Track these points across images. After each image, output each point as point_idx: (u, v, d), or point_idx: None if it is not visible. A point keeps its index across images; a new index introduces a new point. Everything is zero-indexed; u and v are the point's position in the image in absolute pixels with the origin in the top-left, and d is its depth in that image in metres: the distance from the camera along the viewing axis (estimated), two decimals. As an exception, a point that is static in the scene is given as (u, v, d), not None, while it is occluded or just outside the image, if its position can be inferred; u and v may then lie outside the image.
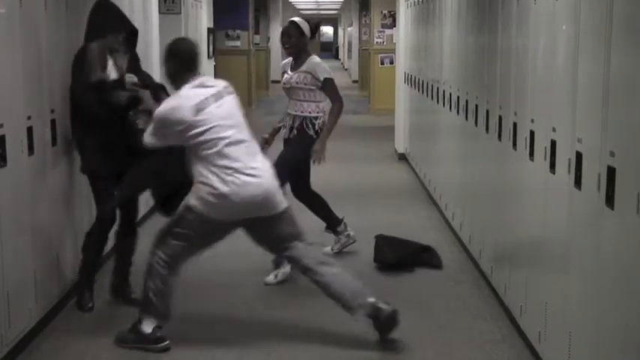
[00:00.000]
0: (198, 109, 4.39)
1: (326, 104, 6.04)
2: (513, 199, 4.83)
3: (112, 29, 4.98)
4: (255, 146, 4.59)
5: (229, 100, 4.56)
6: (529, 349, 4.45)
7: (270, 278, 5.67)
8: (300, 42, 5.98)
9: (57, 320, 4.92)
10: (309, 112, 5.96)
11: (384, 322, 4.57)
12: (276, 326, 4.93)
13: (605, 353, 3.33)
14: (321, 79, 5.94)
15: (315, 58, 6.01)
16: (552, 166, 3.98)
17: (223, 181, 4.36)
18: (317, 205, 6.25)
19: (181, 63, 4.55)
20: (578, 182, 3.59)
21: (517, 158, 4.66)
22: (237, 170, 4.39)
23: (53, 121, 4.90)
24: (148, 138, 4.51)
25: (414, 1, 9.86)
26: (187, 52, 4.60)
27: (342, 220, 6.34)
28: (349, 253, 6.08)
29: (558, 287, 3.93)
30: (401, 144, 11.25)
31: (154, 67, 7.76)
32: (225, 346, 4.63)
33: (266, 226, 4.60)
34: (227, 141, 4.40)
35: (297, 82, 5.95)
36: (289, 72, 6.03)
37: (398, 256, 6.00)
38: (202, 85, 4.53)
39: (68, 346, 4.62)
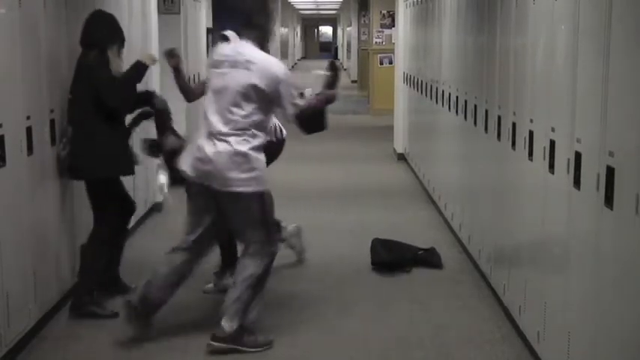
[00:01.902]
0: None
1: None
2: (512, 199, 4.84)
3: (110, 41, 5.08)
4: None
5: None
6: (528, 348, 4.45)
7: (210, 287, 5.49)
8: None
9: (56, 320, 4.92)
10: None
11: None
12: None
13: (604, 353, 3.33)
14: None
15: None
16: (551, 166, 3.98)
17: None
18: None
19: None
20: (577, 182, 3.60)
21: (516, 158, 4.67)
22: None
23: (52, 121, 4.90)
24: (299, 103, 4.56)
25: (413, 1, 9.87)
26: None
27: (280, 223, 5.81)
28: (348, 253, 6.08)
29: (557, 287, 3.93)
30: (400, 144, 11.25)
31: (153, 67, 7.76)
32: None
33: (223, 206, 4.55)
34: None
35: None
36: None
37: (394, 255, 6.01)
38: None
39: (67, 346, 4.63)
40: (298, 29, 46.86)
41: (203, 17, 11.14)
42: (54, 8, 4.92)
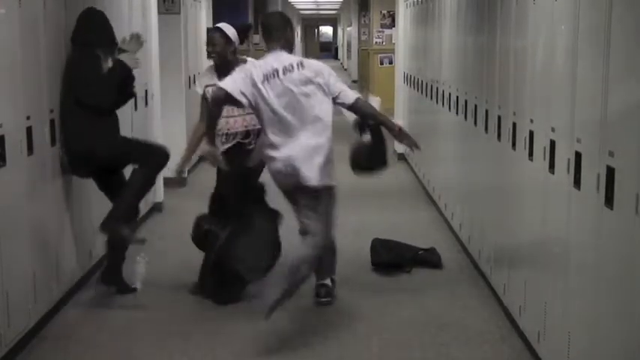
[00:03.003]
0: None
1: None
2: (513, 200, 4.84)
3: (98, 43, 5.17)
4: None
5: None
6: (528, 348, 4.45)
7: None
8: (225, 50, 5.54)
9: (56, 320, 4.92)
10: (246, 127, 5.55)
11: None
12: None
13: (604, 353, 3.33)
14: None
15: (248, 63, 5.35)
16: (552, 166, 3.98)
17: None
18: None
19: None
20: (577, 182, 3.59)
21: (516, 158, 4.67)
22: None
23: (52, 121, 4.90)
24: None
25: (414, 1, 9.87)
26: None
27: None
28: (348, 253, 6.07)
29: (557, 287, 3.93)
30: (400, 144, 11.23)
31: (153, 67, 7.77)
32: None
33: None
34: None
35: None
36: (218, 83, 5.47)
37: (394, 255, 6.01)
38: None
39: (67, 346, 4.63)
40: (298, 29, 46.84)
41: (203, 17, 11.14)
42: (54, 8, 4.92)
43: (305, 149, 4.81)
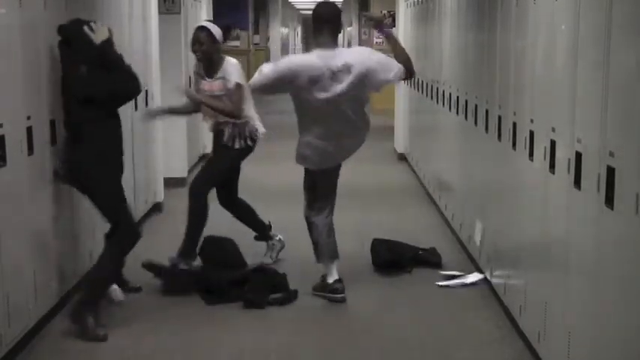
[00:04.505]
0: None
1: (248, 108, 5.74)
2: (513, 199, 4.83)
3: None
4: None
5: None
6: (528, 348, 4.45)
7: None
8: (211, 48, 5.64)
9: (56, 320, 4.91)
10: (242, 119, 5.71)
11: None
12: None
13: (605, 353, 3.32)
14: (232, 83, 5.62)
15: (230, 61, 5.70)
16: (552, 166, 3.98)
17: None
18: (243, 213, 6.13)
19: None
20: (577, 182, 3.59)
21: (517, 158, 4.66)
22: None
23: (52, 121, 4.89)
24: None
25: (414, 1, 9.86)
26: None
27: (269, 224, 6.23)
28: (347, 254, 6.07)
29: (558, 287, 3.93)
30: (400, 144, 11.25)
31: (153, 67, 7.77)
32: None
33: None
34: None
35: (220, 90, 5.66)
36: (207, 79, 5.73)
37: (394, 255, 6.00)
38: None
39: (67, 346, 4.62)
40: (299, 29, 46.83)
41: (203, 17, 11.13)
42: (54, 8, 4.92)
43: None
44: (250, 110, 5.78)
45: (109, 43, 4.81)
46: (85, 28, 4.75)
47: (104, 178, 4.80)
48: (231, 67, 5.69)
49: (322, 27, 5.23)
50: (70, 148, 4.83)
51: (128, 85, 4.87)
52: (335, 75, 5.11)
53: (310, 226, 5.53)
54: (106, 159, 4.80)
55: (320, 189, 5.50)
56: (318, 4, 5.40)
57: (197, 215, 5.77)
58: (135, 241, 4.88)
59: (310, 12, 5.42)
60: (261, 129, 5.82)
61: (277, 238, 6.19)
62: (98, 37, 4.75)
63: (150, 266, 5.55)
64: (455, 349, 4.62)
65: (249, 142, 5.77)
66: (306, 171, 5.55)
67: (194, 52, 5.74)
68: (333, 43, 5.21)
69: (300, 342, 4.72)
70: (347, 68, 5.12)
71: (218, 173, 5.87)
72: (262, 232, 6.17)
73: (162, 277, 5.52)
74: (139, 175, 7.07)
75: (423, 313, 5.17)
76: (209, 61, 5.70)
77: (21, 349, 4.43)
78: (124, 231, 4.85)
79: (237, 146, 5.74)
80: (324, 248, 5.46)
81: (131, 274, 5.40)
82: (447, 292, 5.57)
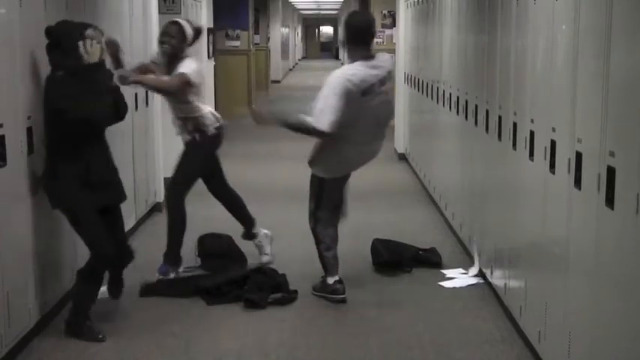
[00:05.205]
0: None
1: (201, 105, 5.68)
2: (513, 199, 4.83)
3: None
4: None
5: None
6: (529, 348, 4.45)
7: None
8: (180, 46, 5.58)
9: (56, 320, 4.91)
10: (194, 113, 5.65)
11: None
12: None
13: (605, 353, 3.32)
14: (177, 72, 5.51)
15: (188, 59, 5.58)
16: (552, 166, 3.98)
17: None
18: (233, 204, 6.07)
19: None
20: (577, 182, 3.59)
21: (517, 158, 4.66)
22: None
23: (53, 121, 4.89)
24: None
25: (414, 1, 9.86)
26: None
27: (254, 220, 6.13)
28: (349, 253, 6.07)
29: (558, 287, 3.93)
30: (401, 144, 11.25)
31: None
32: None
33: None
34: None
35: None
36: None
37: (395, 255, 6.00)
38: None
39: (68, 346, 4.62)
40: (299, 29, 46.85)
41: (203, 17, 11.13)
42: (54, 9, 4.92)
43: None
44: (203, 104, 5.73)
45: (98, 65, 4.60)
46: (80, 44, 4.50)
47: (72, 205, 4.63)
48: (186, 62, 5.55)
49: (364, 37, 5.24)
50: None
51: (93, 111, 4.55)
52: (381, 82, 5.17)
53: (316, 237, 5.47)
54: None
55: (329, 200, 5.43)
56: (354, 15, 5.46)
57: (175, 220, 5.76)
58: (104, 262, 4.69)
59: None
60: (220, 121, 5.79)
61: (263, 234, 6.12)
62: (90, 57, 4.52)
63: (147, 291, 5.50)
64: (455, 349, 4.62)
65: (213, 130, 5.71)
66: (319, 182, 5.42)
67: (161, 43, 5.62)
68: (371, 52, 5.25)
69: (300, 342, 4.72)
70: (390, 75, 5.27)
71: (191, 172, 5.81)
72: (249, 227, 6.09)
73: (164, 291, 5.49)
74: (139, 175, 7.07)
75: (423, 313, 5.17)
76: (172, 57, 5.58)
77: (21, 349, 4.43)
78: (97, 258, 4.67)
79: (199, 139, 5.67)
80: (329, 262, 5.43)
81: (132, 274, 5.39)
82: (447, 292, 5.57)
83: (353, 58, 5.22)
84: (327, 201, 5.42)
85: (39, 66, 4.72)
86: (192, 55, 5.80)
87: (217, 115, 5.85)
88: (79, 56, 4.52)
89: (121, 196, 4.90)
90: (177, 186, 5.77)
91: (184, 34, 5.60)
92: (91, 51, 4.54)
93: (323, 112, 5.01)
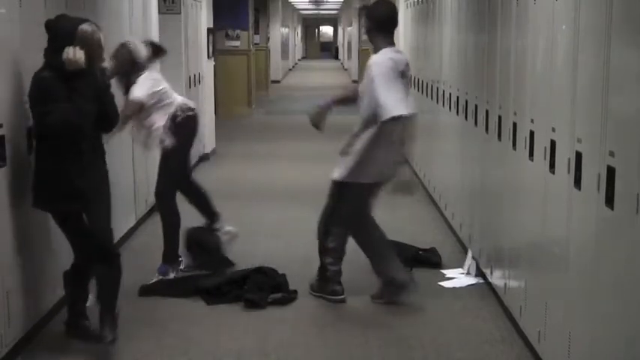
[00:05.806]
0: None
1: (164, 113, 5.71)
2: (513, 199, 4.83)
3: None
4: None
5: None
6: (529, 348, 4.45)
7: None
8: (125, 68, 5.57)
9: (56, 320, 4.91)
10: (168, 110, 5.71)
11: None
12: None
13: (605, 353, 3.33)
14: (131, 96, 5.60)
15: (139, 80, 5.59)
16: (552, 166, 3.98)
17: None
18: (198, 197, 6.06)
19: None
20: (577, 182, 3.59)
21: (517, 158, 4.67)
22: None
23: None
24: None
25: (414, 1, 9.86)
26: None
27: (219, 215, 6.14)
28: (348, 253, 6.06)
29: (558, 287, 3.93)
30: (401, 144, 11.23)
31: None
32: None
33: None
34: None
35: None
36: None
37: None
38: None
39: (68, 346, 4.62)
40: (299, 29, 46.85)
41: (203, 17, 11.14)
42: (54, 8, 4.92)
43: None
44: (174, 97, 5.80)
45: (83, 72, 4.28)
46: (65, 50, 4.22)
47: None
48: (138, 82, 5.60)
49: (390, 26, 5.26)
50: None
51: (67, 116, 4.21)
52: (408, 67, 5.28)
53: (326, 249, 5.43)
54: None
55: (346, 211, 5.46)
56: (379, 4, 5.35)
57: (169, 221, 5.80)
58: (86, 262, 4.60)
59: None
60: (192, 110, 5.83)
61: (225, 230, 6.11)
62: (71, 64, 4.23)
63: (146, 291, 5.50)
64: (455, 349, 4.62)
65: (185, 117, 5.73)
66: (347, 188, 5.43)
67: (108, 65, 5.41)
68: (393, 40, 5.28)
69: (300, 342, 4.72)
70: (409, 67, 5.31)
71: (174, 170, 5.83)
72: (211, 221, 6.07)
73: (164, 292, 5.49)
74: (139, 175, 7.08)
75: (423, 313, 5.17)
76: (122, 77, 5.62)
77: (21, 349, 4.43)
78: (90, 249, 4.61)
79: (169, 143, 5.68)
80: (333, 276, 5.41)
81: (131, 274, 5.38)
82: (447, 292, 5.57)
83: (379, 46, 5.19)
84: (344, 213, 5.42)
85: (40, 66, 4.71)
86: (153, 68, 5.85)
87: (190, 103, 5.90)
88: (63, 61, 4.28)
89: (103, 198, 4.59)
90: (165, 188, 5.82)
91: (131, 54, 5.59)
92: (74, 59, 4.24)
93: (389, 99, 4.98)
